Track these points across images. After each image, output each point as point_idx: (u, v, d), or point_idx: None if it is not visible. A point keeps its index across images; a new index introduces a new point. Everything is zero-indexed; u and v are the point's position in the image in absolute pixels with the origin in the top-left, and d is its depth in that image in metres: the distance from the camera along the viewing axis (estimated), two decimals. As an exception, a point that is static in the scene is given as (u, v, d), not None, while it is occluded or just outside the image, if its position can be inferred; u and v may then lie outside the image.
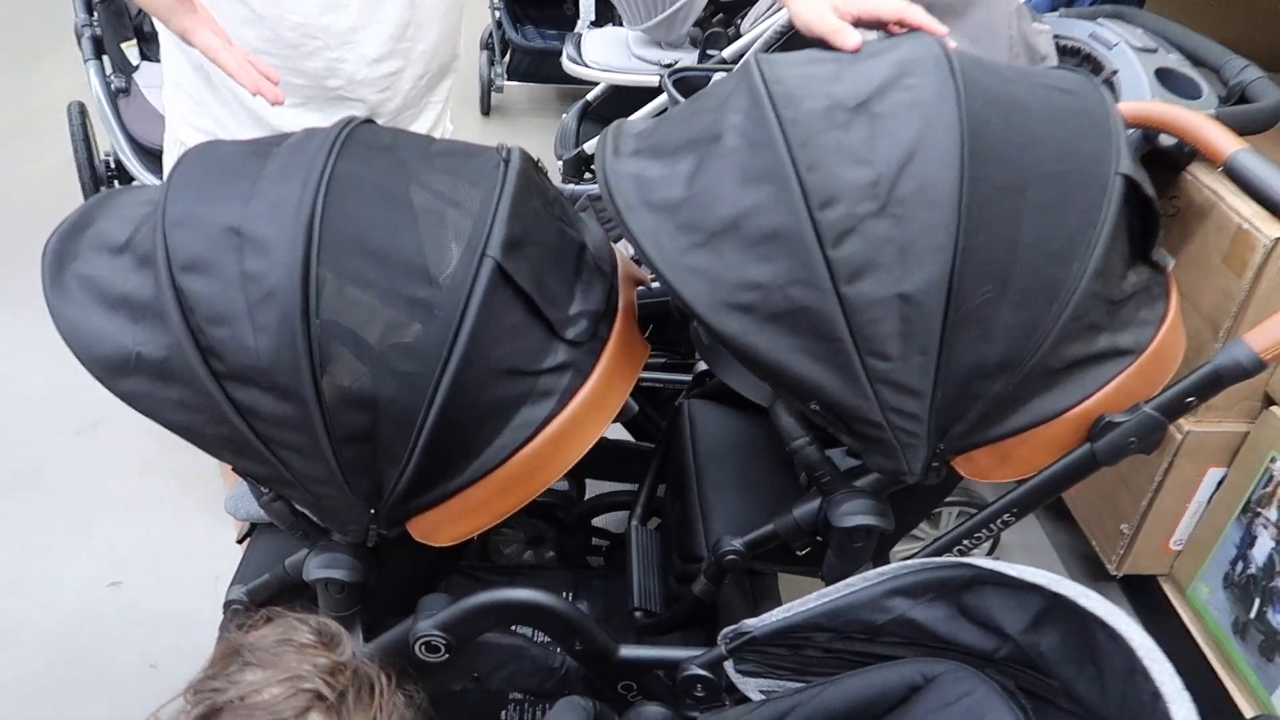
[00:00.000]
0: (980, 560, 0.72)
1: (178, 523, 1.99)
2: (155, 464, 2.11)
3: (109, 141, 2.38)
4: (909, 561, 0.78)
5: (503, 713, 1.25)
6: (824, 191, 0.89)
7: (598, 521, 1.69)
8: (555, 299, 1.01)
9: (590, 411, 1.01)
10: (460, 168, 1.04)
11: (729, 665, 0.93)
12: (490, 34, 3.67)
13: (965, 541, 1.07)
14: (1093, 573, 1.90)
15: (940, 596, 0.75)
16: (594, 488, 1.70)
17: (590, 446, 1.02)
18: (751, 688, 0.92)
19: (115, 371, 0.94)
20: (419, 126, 1.44)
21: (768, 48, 1.76)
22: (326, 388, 0.90)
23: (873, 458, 1.00)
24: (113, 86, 2.32)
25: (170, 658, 1.67)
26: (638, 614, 1.28)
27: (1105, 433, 0.96)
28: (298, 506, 1.04)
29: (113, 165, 2.44)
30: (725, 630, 0.92)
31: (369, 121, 1.06)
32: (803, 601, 0.86)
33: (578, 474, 1.76)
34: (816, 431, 1.06)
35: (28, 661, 1.71)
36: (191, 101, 1.36)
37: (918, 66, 0.94)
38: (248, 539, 1.33)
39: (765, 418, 1.15)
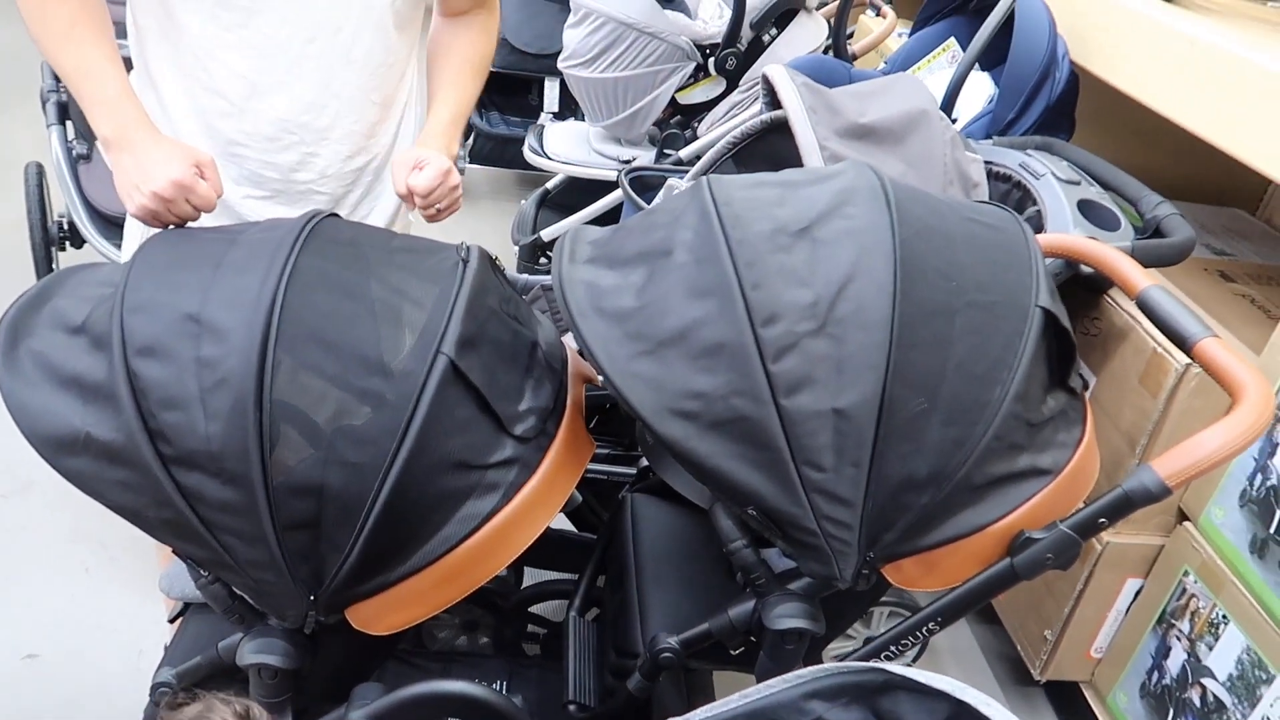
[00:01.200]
0: (892, 666, 0.76)
1: (103, 594, 1.94)
2: (84, 531, 2.06)
3: (64, 203, 2.37)
4: (827, 665, 0.81)
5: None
6: (767, 309, 0.95)
7: (536, 609, 1.69)
8: (506, 395, 1.04)
9: (535, 506, 1.04)
10: (419, 265, 1.08)
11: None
12: (454, 117, 3.75)
13: (893, 646, 1.10)
14: (1019, 677, 1.95)
15: (855, 700, 0.77)
16: (532, 575, 1.70)
17: (533, 540, 1.04)
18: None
19: (61, 450, 0.95)
20: (380, 212, 1.48)
21: (720, 157, 1.84)
22: (274, 473, 0.91)
23: (806, 563, 1.03)
24: (74, 152, 2.32)
25: (86, 738, 1.61)
26: (572, 708, 1.28)
27: (1024, 548, 1.02)
28: (236, 590, 1.04)
29: (65, 226, 2.43)
30: None
31: (333, 215, 1.10)
32: (725, 702, 0.87)
33: (517, 561, 1.74)
34: (753, 534, 1.10)
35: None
36: None
37: (856, 196, 1.02)
38: (179, 618, 1.31)
39: (705, 516, 1.18)
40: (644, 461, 1.57)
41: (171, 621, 1.33)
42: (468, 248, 1.11)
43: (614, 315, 1.01)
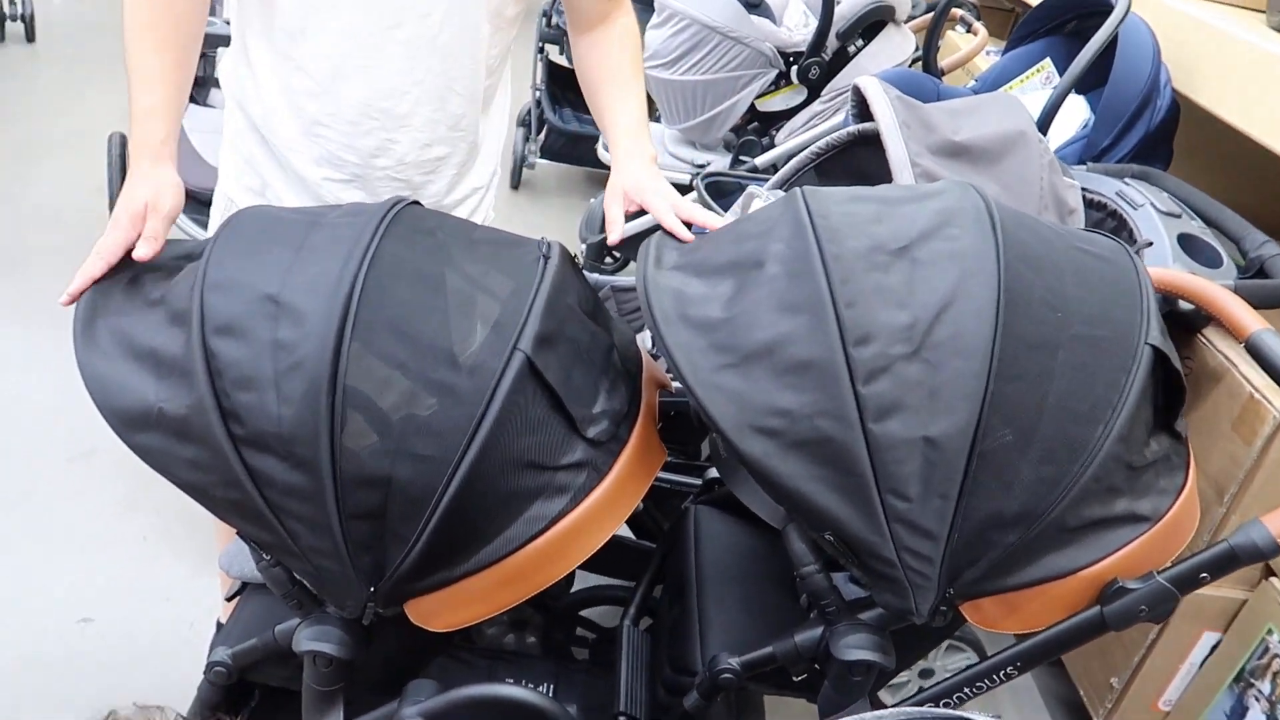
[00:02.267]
0: (976, 715, 0.72)
1: (158, 563, 1.96)
2: (143, 500, 2.09)
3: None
4: (906, 710, 0.78)
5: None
6: (860, 329, 0.91)
7: (586, 613, 1.67)
8: (580, 396, 1.01)
9: (603, 511, 1.01)
10: (500, 258, 1.06)
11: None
12: (529, 111, 3.76)
13: (967, 689, 1.06)
14: (1077, 723, 1.87)
15: None
16: (584, 579, 1.65)
17: (599, 547, 1.02)
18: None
19: (133, 425, 0.94)
20: (463, 208, 1.47)
21: (802, 167, 1.80)
22: (343, 462, 0.90)
23: (882, 594, 0.99)
24: (159, 124, 2.34)
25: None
26: (621, 719, 1.25)
27: (1117, 597, 0.96)
28: (297, 575, 1.03)
29: (145, 199, 2.45)
30: None
31: (416, 203, 1.08)
32: None
33: None
34: (826, 558, 1.06)
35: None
36: (243, 160, 1.39)
37: (960, 217, 0.97)
38: (237, 597, 1.31)
39: (772, 534, 1.15)
40: (710, 473, 1.54)
41: (229, 600, 1.32)
42: (549, 244, 1.09)
43: (700, 325, 0.98)
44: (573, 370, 1.01)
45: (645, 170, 1.28)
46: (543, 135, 3.76)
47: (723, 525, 1.44)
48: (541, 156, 3.80)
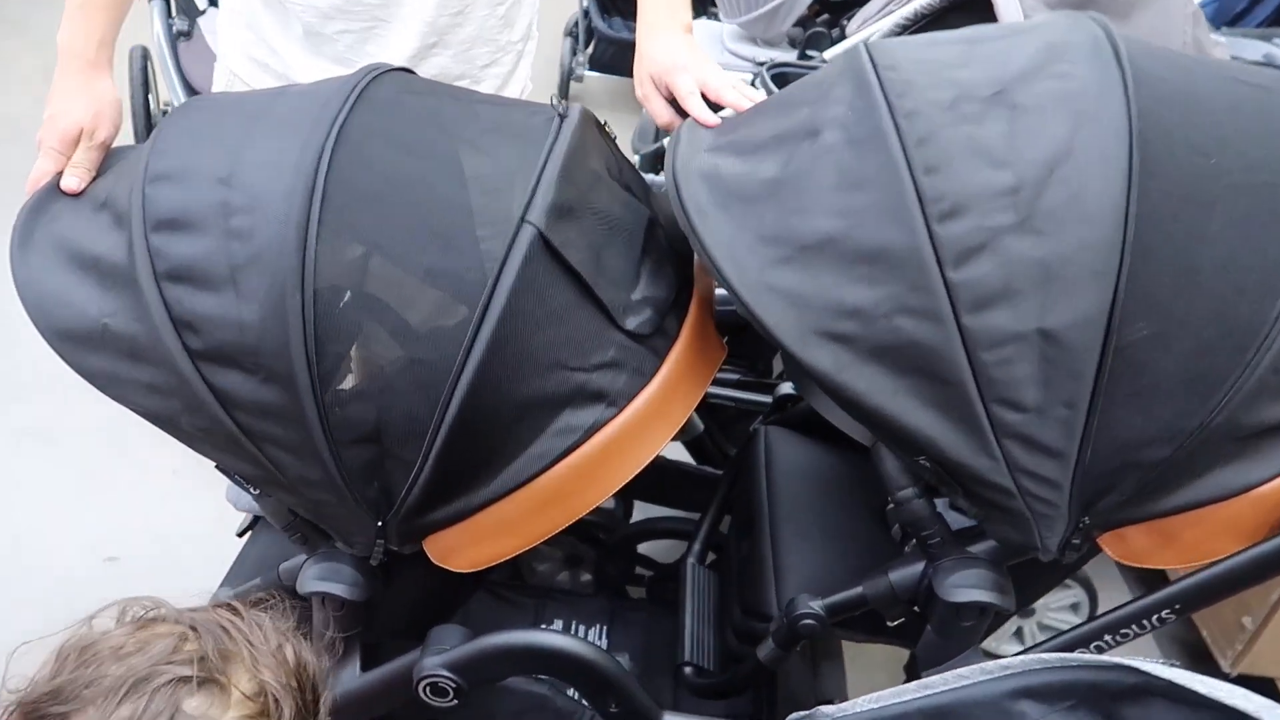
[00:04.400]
0: (1149, 665, 0.59)
1: (188, 499, 1.86)
2: (176, 432, 1.99)
3: (167, 90, 2.27)
4: (1045, 655, 0.64)
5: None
6: (947, 199, 0.74)
7: (643, 548, 1.53)
8: (614, 280, 0.85)
9: (650, 420, 0.85)
10: (506, 120, 0.89)
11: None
12: (576, 22, 3.55)
13: (1109, 635, 0.87)
14: (1199, 669, 1.66)
15: (1087, 705, 0.61)
16: (642, 510, 1.54)
17: (646, 463, 0.85)
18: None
19: (78, 345, 0.82)
20: (496, 72, 1.25)
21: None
22: (323, 373, 0.75)
23: (997, 527, 0.84)
24: (174, 29, 2.20)
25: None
26: (687, 670, 1.09)
27: (1314, 520, 0.77)
28: (293, 509, 0.88)
29: (167, 113, 2.33)
30: (794, 717, 0.75)
31: (404, 69, 0.92)
32: (897, 692, 0.71)
33: (626, 493, 1.60)
34: (925, 484, 0.87)
35: (5, 628, 1.58)
36: (245, 27, 1.21)
37: (1072, 51, 0.79)
38: (249, 532, 1.17)
39: (857, 455, 0.99)
40: (783, 389, 1.35)
41: (240, 535, 1.19)
42: (566, 104, 0.90)
43: (742, 214, 0.82)
44: (603, 249, 0.84)
45: (673, 44, 1.03)
46: (591, 46, 3.55)
47: (798, 448, 1.26)
48: (590, 69, 3.59)
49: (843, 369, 0.77)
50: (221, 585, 1.07)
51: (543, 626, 1.43)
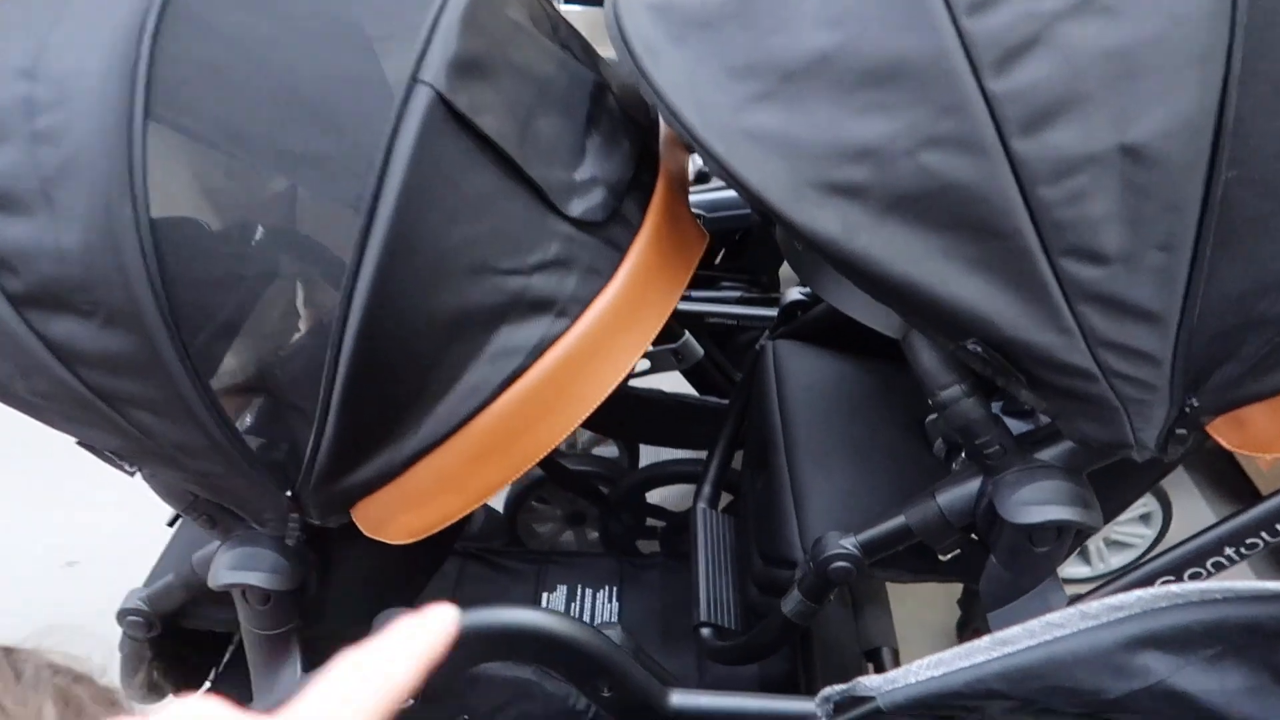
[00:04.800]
0: None
1: (148, 501, 1.73)
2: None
3: None
4: (1170, 588, 0.47)
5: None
6: None
7: (652, 497, 1.38)
8: (550, 155, 0.67)
9: (614, 331, 0.68)
10: None
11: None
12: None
13: (1232, 548, 0.68)
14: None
15: (1236, 653, 0.46)
16: (649, 454, 1.41)
17: (614, 385, 0.68)
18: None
19: None
20: None
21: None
22: (178, 306, 0.59)
23: (1074, 422, 0.66)
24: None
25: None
26: (705, 631, 0.93)
27: None
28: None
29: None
30: (828, 692, 0.59)
31: None
32: (965, 652, 0.53)
33: (627, 436, 1.44)
34: (976, 376, 0.69)
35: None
36: None
37: None
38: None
39: (884, 363, 0.79)
40: (789, 296, 1.15)
41: (170, 525, 1.04)
42: None
43: (704, 44, 0.64)
44: (533, 116, 0.66)
45: None
46: (565, -25, 3.34)
47: (813, 361, 1.08)
48: (567, 2, 3.38)
49: (855, 231, 0.60)
50: (145, 584, 0.91)
51: (545, 595, 1.28)
